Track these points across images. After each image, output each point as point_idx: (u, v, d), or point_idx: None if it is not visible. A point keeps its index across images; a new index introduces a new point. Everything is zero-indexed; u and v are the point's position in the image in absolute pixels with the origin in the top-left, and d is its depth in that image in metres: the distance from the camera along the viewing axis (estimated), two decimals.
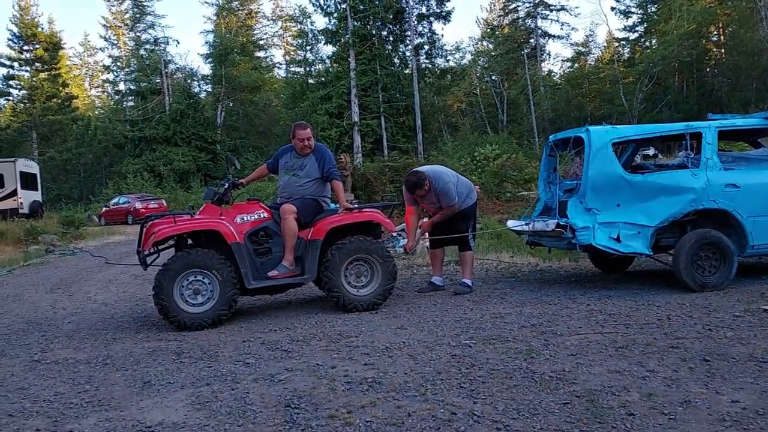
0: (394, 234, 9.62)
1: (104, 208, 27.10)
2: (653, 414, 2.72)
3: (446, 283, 6.37)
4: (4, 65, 42.50)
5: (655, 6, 39.91)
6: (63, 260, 12.09)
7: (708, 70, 37.75)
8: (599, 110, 37.04)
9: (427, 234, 6.33)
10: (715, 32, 37.62)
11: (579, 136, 5.76)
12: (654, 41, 39.75)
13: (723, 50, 37.02)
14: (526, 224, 6.18)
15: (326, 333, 4.56)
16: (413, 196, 5.92)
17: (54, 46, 43.18)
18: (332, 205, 5.66)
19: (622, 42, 44.05)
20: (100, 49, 51.00)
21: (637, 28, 42.66)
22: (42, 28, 43.05)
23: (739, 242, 5.47)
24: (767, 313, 4.38)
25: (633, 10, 42.16)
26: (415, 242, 6.10)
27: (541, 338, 4.08)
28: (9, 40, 41.61)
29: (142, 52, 44.26)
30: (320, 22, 70.97)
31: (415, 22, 32.47)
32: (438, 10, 32.61)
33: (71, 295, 7.31)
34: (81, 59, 52.66)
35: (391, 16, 31.40)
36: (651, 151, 17.20)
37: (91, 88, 54.11)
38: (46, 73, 42.92)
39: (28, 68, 42.78)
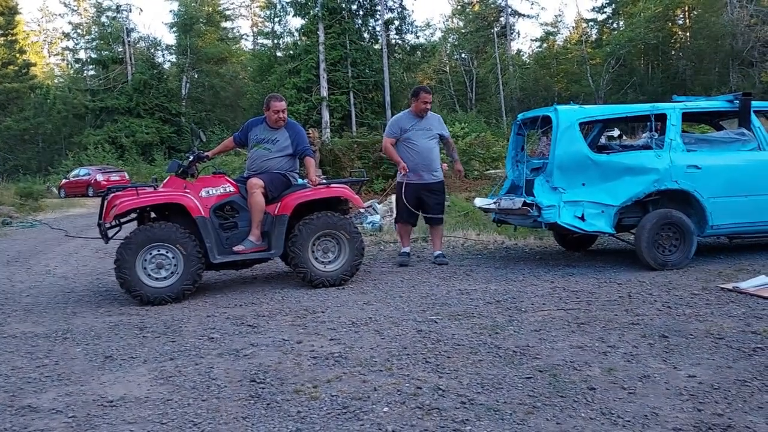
0: (362, 210, 9.60)
1: (64, 180, 26.48)
2: (613, 388, 2.79)
3: (412, 258, 6.40)
4: None
5: None
6: (21, 232, 11.75)
7: (673, 53, 38.36)
8: (566, 90, 37.45)
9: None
10: (681, 15, 38.18)
11: (547, 115, 5.79)
12: (621, 23, 40.15)
13: (688, 34, 37.62)
14: (494, 202, 6.22)
15: (292, 308, 4.54)
16: (418, 101, 6.06)
17: (10, 10, 41.40)
18: (300, 181, 5.60)
19: (590, 23, 44.40)
20: (60, 15, 49.24)
21: (605, 10, 43.03)
22: None
23: (698, 222, 5.59)
24: (724, 292, 4.51)
25: None
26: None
27: (505, 314, 4.14)
28: None
29: (103, 19, 42.64)
30: None
31: None
32: None
33: (29, 269, 7.11)
34: (39, 25, 50.83)
35: None
36: (615, 132, 17.48)
37: (50, 56, 52.31)
38: (2, 38, 41.16)
39: None
